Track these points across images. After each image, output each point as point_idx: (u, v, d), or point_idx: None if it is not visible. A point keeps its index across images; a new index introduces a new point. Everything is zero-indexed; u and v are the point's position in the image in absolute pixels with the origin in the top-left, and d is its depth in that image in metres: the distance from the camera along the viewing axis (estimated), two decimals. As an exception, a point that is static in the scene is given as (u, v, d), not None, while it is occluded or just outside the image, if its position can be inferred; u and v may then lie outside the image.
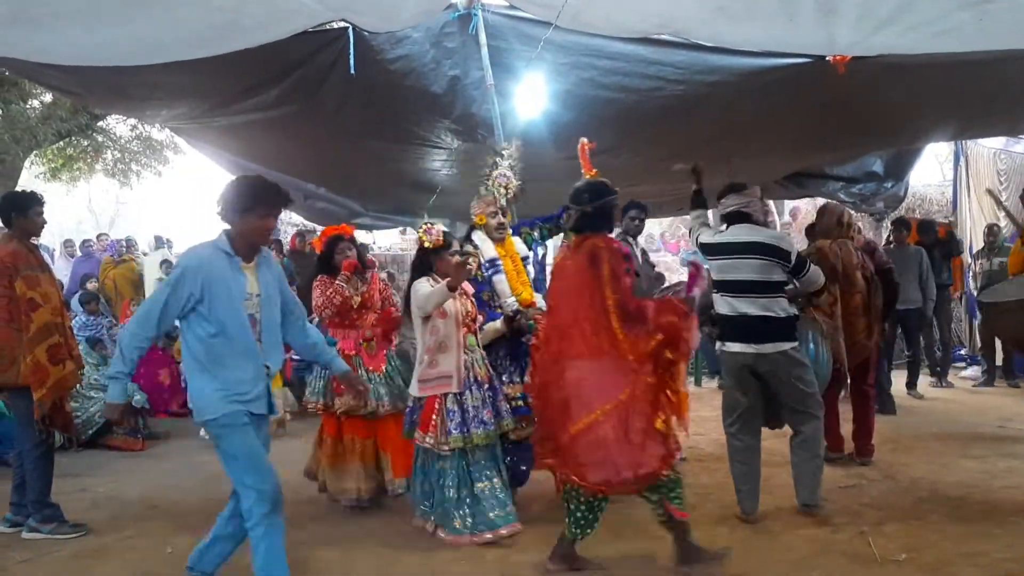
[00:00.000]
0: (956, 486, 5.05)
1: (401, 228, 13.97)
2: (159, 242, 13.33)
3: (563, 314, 3.71)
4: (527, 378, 4.49)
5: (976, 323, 9.95)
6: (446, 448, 4.26)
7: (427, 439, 4.32)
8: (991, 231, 9.10)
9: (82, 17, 4.32)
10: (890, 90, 5.53)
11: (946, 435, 6.57)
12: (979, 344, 9.62)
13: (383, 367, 5.03)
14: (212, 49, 4.82)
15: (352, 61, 4.90)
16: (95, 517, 4.92)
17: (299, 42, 4.96)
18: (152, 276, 11.31)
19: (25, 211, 4.63)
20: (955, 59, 4.80)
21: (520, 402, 4.60)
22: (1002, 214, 9.56)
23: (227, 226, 3.37)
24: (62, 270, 10.96)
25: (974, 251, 9.80)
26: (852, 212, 6.30)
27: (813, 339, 5.04)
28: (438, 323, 4.33)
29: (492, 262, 4.78)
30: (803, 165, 8.61)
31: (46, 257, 5.67)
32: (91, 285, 9.85)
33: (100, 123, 13.00)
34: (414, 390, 4.43)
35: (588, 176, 4.40)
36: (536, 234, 5.19)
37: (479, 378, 4.42)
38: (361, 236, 14.01)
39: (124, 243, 12.62)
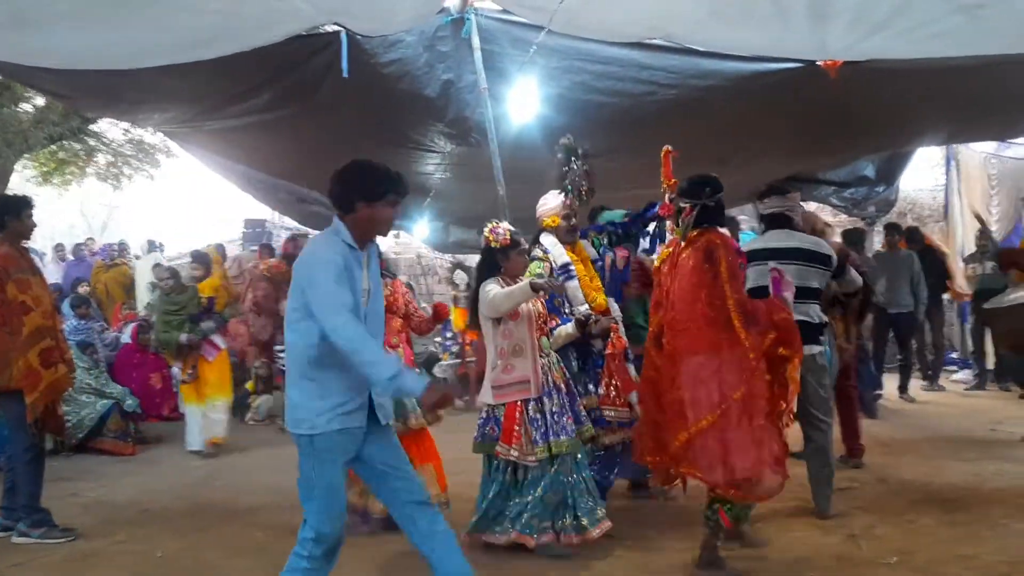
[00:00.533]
0: (947, 489, 5.06)
1: (395, 231, 13.96)
2: (151, 246, 13.30)
3: (679, 310, 3.60)
4: (601, 390, 4.55)
5: (967, 327, 9.98)
6: (533, 459, 4.03)
7: (512, 451, 4.03)
8: (983, 235, 9.14)
9: (74, 20, 4.31)
10: (881, 94, 5.56)
11: (937, 438, 6.59)
12: (970, 348, 9.66)
13: None
14: (205, 52, 4.81)
15: (345, 64, 4.90)
16: (85, 522, 4.90)
17: (292, 46, 4.96)
18: (144, 280, 11.28)
19: (18, 214, 4.62)
20: (946, 63, 4.83)
21: (597, 414, 4.51)
22: (993, 218, 9.62)
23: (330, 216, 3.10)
24: (53, 274, 10.92)
25: (965, 255, 9.84)
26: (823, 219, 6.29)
27: (829, 343, 5.01)
28: (511, 325, 4.13)
29: (565, 267, 4.55)
30: (796, 169, 8.63)
31: (36, 261, 5.66)
32: (82, 289, 9.81)
33: (92, 126, 12.94)
34: (487, 397, 4.17)
35: (668, 184, 4.14)
36: (604, 239, 5.05)
37: (556, 383, 4.21)
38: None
39: (116, 247, 12.58)
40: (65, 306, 8.72)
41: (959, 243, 10.45)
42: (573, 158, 4.78)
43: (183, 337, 6.81)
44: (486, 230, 4.28)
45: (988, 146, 10.04)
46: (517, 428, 4.05)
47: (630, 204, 6.14)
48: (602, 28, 4.84)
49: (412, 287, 12.42)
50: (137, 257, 12.75)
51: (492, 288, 4.13)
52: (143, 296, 10.34)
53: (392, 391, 2.93)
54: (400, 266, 14.53)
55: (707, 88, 5.49)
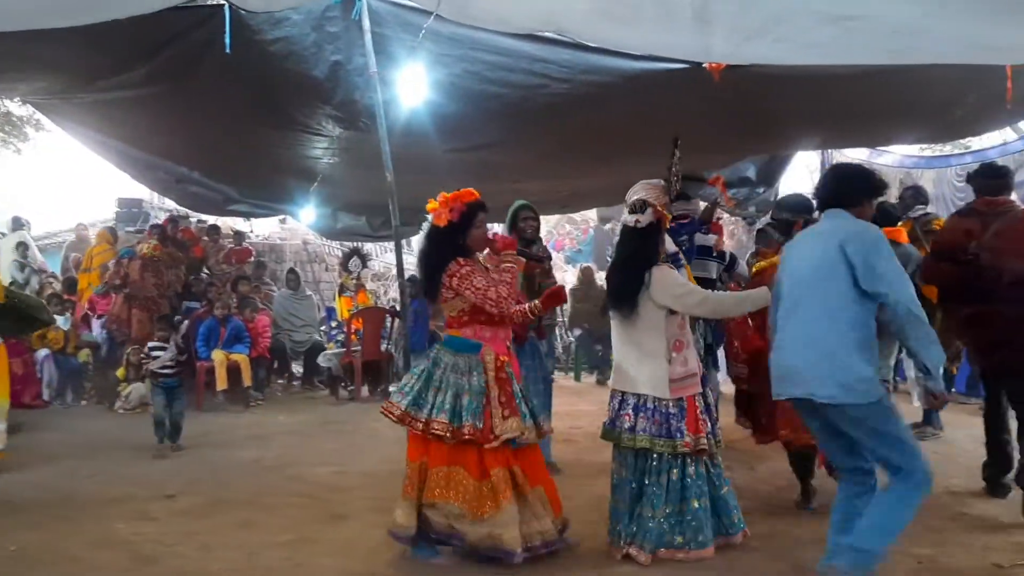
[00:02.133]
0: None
1: (281, 217, 13.59)
2: (16, 223, 12.47)
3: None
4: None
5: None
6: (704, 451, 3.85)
7: (701, 441, 3.81)
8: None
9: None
10: (762, 99, 5.76)
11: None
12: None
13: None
14: (75, 19, 4.52)
15: (228, 40, 4.70)
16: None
17: (171, 17, 4.74)
18: (7, 258, 10.61)
19: None
20: (822, 72, 5.05)
21: None
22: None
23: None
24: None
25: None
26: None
27: None
28: (680, 316, 3.91)
29: (674, 257, 4.32)
30: (680, 168, 8.85)
31: None
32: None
33: (-48, 94, 12.07)
34: (662, 391, 3.84)
35: (730, 206, 4.39)
36: None
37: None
38: (238, 224, 13.64)
39: (-23, 223, 11.79)
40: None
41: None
42: (676, 150, 5.07)
43: None
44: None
45: (861, 153, 10.57)
46: (699, 419, 3.87)
47: (517, 197, 6.18)
48: (493, 18, 4.82)
49: (265, 265, 12.10)
50: (2, 234, 11.98)
51: (672, 274, 3.92)
52: (6, 275, 9.70)
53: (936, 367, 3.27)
54: (286, 253, 14.19)
55: (598, 84, 5.55)
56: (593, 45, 5.25)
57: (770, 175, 9.84)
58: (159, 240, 9.68)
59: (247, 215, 11.80)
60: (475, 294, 3.74)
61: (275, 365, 10.40)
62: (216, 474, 5.74)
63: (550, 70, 5.46)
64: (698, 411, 3.89)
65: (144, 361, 7.21)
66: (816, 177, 12.21)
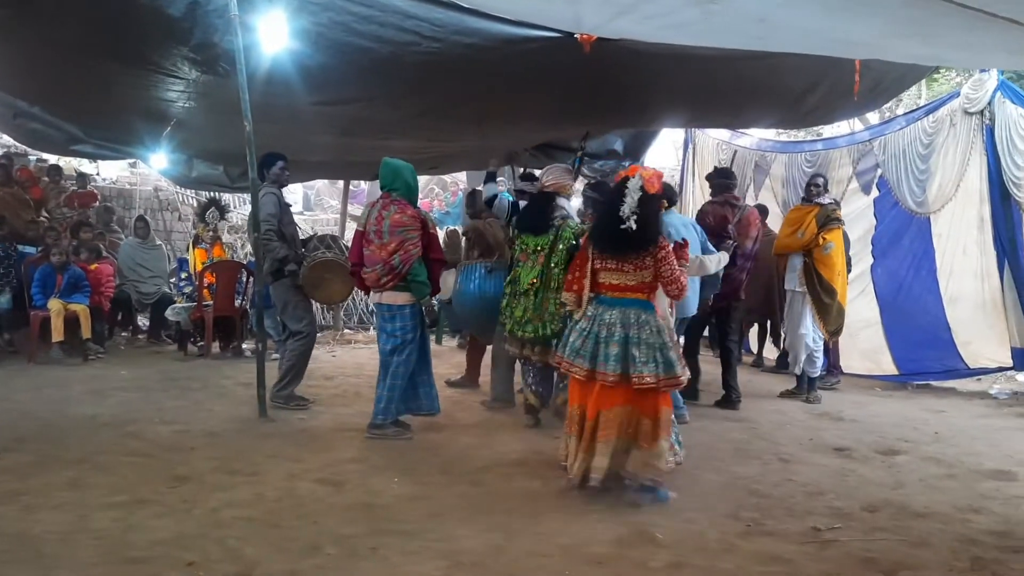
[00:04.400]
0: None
1: (131, 160, 12.80)
2: None
3: None
4: None
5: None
6: None
7: None
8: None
9: None
10: (630, 73, 5.85)
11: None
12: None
13: None
14: None
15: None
16: None
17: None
18: None
19: None
20: (688, 52, 5.18)
21: None
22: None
23: None
24: None
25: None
26: None
27: None
28: None
29: None
30: (551, 137, 8.93)
31: None
32: None
33: None
34: None
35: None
36: None
37: None
38: (83, 166, 12.75)
39: None
40: None
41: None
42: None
43: None
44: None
45: (722, 134, 10.96)
46: None
47: (384, 153, 6.06)
48: (363, -32, 4.64)
49: (114, 210, 11.46)
50: None
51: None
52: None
53: None
54: (136, 199, 13.41)
55: (470, 46, 5.46)
56: (467, 6, 5.17)
57: (637, 149, 10.07)
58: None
59: (93, 156, 11.02)
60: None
61: (119, 317, 9.88)
62: (46, 430, 5.40)
63: (422, 28, 5.33)
64: None
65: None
66: (681, 153, 12.65)
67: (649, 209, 4.24)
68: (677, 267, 4.30)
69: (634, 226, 4.18)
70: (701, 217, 7.01)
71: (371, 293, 5.82)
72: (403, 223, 5.46)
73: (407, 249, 5.43)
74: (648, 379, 4.17)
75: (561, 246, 5.65)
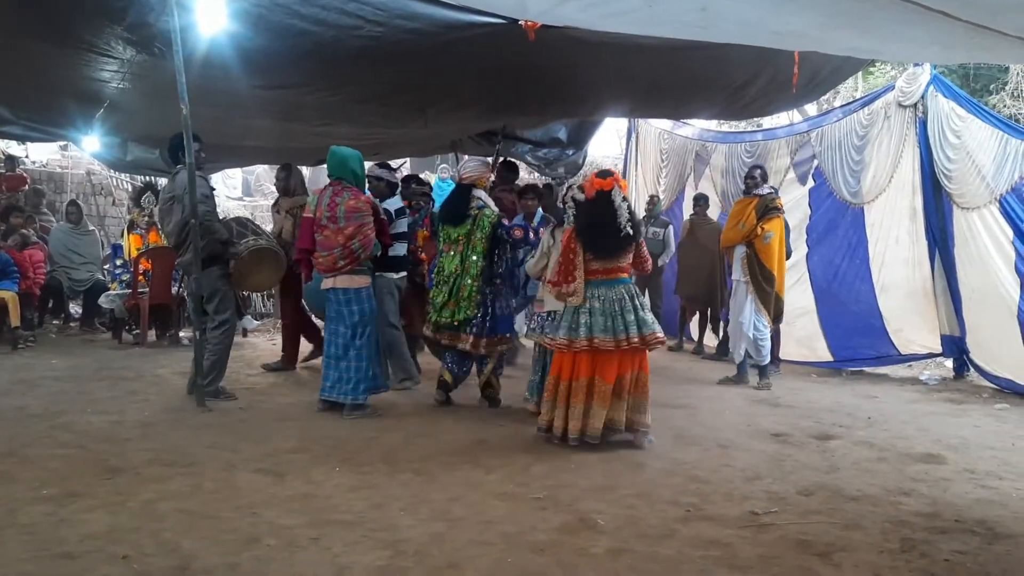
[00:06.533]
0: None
1: (61, 143, 12.38)
2: None
3: None
4: None
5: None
6: None
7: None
8: (651, 201, 10.12)
9: None
10: (574, 62, 5.87)
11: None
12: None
13: None
14: None
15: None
16: None
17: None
18: None
19: None
20: (631, 41, 5.20)
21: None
22: (661, 188, 10.74)
23: None
24: None
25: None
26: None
27: None
28: None
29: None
30: (493, 124, 8.91)
31: None
32: None
33: None
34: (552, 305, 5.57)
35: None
36: None
37: None
38: (11, 148, 12.30)
39: None
40: None
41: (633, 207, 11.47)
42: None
43: None
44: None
45: (664, 123, 11.05)
46: None
47: (325, 139, 5.97)
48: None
49: (43, 193, 11.08)
50: None
51: None
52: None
53: None
54: (67, 182, 12.99)
55: (414, 31, 5.40)
56: (411, -10, 5.11)
57: (580, 138, 10.13)
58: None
59: (21, 138, 10.64)
60: None
61: (50, 304, 9.59)
62: (-30, 422, 5.22)
63: (365, 12, 5.25)
64: None
65: None
66: (624, 142, 12.74)
67: (632, 212, 5.19)
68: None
69: (630, 231, 5.09)
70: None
71: (324, 279, 5.86)
72: (359, 208, 5.72)
73: (366, 234, 5.72)
74: (659, 335, 5.15)
75: (479, 234, 5.98)
